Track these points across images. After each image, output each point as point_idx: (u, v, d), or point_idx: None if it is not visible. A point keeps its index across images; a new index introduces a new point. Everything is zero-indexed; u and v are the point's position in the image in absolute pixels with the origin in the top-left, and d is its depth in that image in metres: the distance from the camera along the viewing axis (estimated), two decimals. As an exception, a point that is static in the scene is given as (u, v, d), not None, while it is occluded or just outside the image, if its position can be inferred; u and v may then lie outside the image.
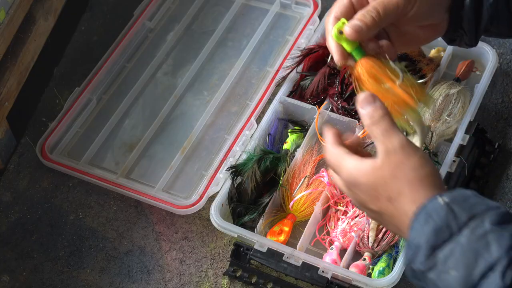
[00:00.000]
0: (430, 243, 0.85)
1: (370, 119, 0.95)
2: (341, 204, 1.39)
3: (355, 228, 1.34)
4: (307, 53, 1.55)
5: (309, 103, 1.51)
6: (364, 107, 0.96)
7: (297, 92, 1.54)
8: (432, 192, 0.90)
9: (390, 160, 0.93)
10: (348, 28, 1.02)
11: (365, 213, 1.01)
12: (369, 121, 0.95)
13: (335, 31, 1.04)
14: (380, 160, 0.93)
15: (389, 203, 0.92)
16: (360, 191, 0.95)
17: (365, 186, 0.94)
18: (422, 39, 1.12)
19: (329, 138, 0.99)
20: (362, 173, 0.94)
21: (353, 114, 1.47)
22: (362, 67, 1.02)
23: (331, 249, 1.35)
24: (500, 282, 0.79)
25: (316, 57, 1.56)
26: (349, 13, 1.06)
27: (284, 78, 1.56)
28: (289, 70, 1.55)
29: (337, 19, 1.05)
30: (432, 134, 1.41)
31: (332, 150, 0.98)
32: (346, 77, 1.49)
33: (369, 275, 1.31)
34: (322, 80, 1.50)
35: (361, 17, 1.03)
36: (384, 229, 1.33)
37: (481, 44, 1.54)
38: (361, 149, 1.01)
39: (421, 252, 0.85)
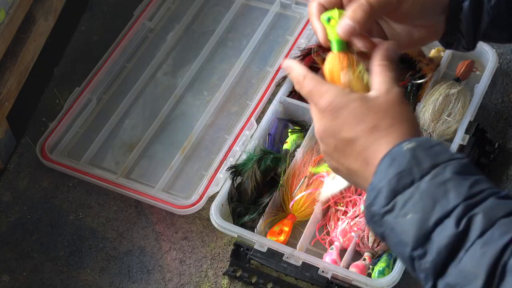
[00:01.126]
0: (391, 187, 0.85)
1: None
2: (341, 204, 1.39)
3: (355, 228, 1.34)
4: (307, 53, 1.55)
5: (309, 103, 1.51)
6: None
7: (297, 92, 1.54)
8: (409, 137, 0.89)
9: (388, 96, 0.93)
10: (340, 29, 1.02)
11: (324, 148, 0.95)
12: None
13: (323, 18, 1.03)
14: (378, 93, 0.93)
15: (370, 133, 0.91)
16: (344, 114, 0.92)
17: (354, 109, 0.92)
18: (417, 39, 1.11)
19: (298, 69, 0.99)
20: (357, 96, 0.93)
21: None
22: (332, 60, 1.02)
23: (331, 249, 1.35)
24: (454, 229, 0.80)
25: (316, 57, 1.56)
26: (333, 2, 1.04)
27: (284, 78, 1.56)
28: None
29: (321, 4, 1.04)
30: (431, 134, 1.41)
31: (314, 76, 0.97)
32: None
33: (369, 275, 1.31)
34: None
35: (353, 14, 1.00)
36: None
37: (481, 44, 1.54)
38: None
39: (381, 195, 0.85)
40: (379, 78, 0.95)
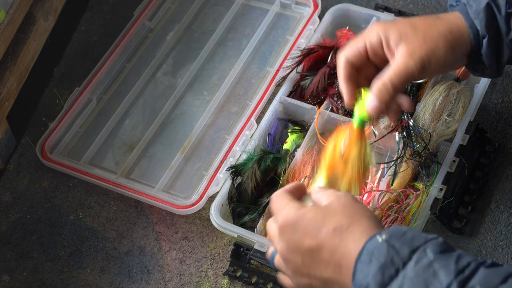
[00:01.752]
0: (377, 282, 0.85)
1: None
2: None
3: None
4: (307, 53, 1.55)
5: (309, 103, 1.51)
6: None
7: (297, 92, 1.54)
8: (375, 231, 0.91)
9: (339, 200, 0.96)
10: (369, 108, 1.12)
11: (292, 267, 0.97)
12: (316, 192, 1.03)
13: (360, 98, 1.17)
14: (330, 201, 0.97)
15: (334, 236, 0.91)
16: (302, 225, 0.94)
17: (311, 218, 0.94)
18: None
19: (286, 186, 1.04)
20: (311, 209, 0.97)
21: (353, 114, 1.47)
22: (349, 134, 1.15)
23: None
24: None
25: (316, 57, 1.56)
26: (361, 60, 1.14)
27: (284, 78, 1.56)
28: (289, 70, 1.55)
29: (348, 61, 1.14)
30: (431, 134, 1.41)
31: (280, 193, 1.03)
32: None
33: (369, 275, 1.31)
34: (322, 80, 1.50)
35: (378, 93, 1.10)
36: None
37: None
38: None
39: None
40: (324, 194, 0.99)
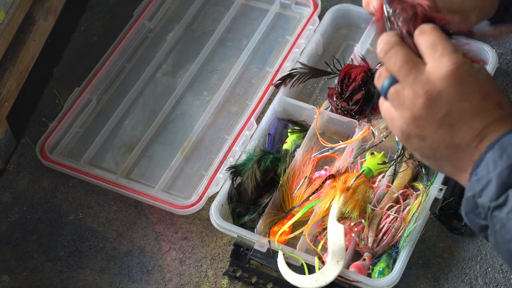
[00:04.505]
0: (502, 180, 0.79)
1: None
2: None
3: (355, 229, 1.34)
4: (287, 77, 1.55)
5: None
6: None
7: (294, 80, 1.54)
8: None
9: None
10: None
11: (430, 114, 0.84)
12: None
13: (372, 156, 1.42)
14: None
15: (494, 110, 0.82)
16: (471, 83, 0.83)
17: (482, 82, 0.84)
18: (470, 7, 1.03)
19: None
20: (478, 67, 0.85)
21: (353, 114, 1.47)
22: (359, 179, 1.35)
23: (331, 249, 1.35)
24: None
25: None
26: None
27: (284, 78, 1.55)
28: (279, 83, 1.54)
29: None
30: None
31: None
32: (345, 77, 1.49)
33: (369, 275, 1.31)
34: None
35: None
36: (384, 230, 1.33)
37: (481, 44, 1.54)
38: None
39: (491, 187, 0.79)
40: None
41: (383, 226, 1.34)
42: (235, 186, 1.42)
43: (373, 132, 1.43)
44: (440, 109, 0.84)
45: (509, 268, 1.35)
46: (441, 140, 0.85)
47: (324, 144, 1.46)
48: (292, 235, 1.36)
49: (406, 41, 0.90)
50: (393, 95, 0.88)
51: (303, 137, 1.47)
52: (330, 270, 1.27)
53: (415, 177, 1.41)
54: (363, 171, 1.38)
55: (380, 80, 0.90)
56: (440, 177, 1.37)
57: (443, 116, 0.84)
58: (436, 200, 1.37)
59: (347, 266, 1.31)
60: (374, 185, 1.39)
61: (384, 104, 0.91)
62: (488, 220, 0.81)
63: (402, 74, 0.87)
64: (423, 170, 1.40)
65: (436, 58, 0.86)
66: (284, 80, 1.54)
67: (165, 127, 1.57)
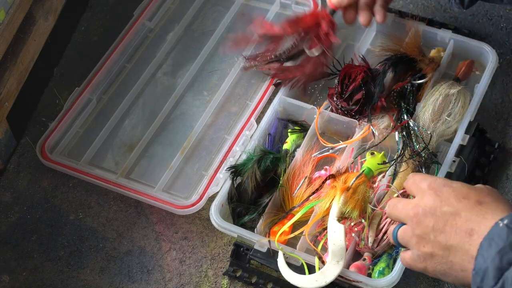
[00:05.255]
0: (496, 266, 0.85)
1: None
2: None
3: (355, 229, 1.34)
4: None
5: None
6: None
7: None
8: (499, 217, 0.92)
9: (487, 188, 0.99)
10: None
11: (421, 231, 1.00)
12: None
13: (372, 156, 1.42)
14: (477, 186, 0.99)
15: (474, 207, 0.93)
16: (447, 191, 0.96)
17: (457, 187, 0.96)
18: None
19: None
20: (458, 182, 0.99)
21: (353, 114, 1.47)
22: (359, 179, 1.35)
23: (331, 249, 1.35)
24: None
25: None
26: None
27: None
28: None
29: None
30: (431, 134, 1.41)
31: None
32: (346, 77, 1.49)
33: (369, 275, 1.31)
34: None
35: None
36: (384, 229, 1.33)
37: (481, 44, 1.54)
38: None
39: (488, 275, 0.86)
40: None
41: (383, 226, 1.34)
42: (235, 186, 1.42)
43: (373, 132, 1.43)
44: (426, 224, 0.97)
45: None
46: (439, 247, 0.96)
47: (324, 144, 1.46)
48: (292, 235, 1.36)
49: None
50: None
51: (303, 137, 1.47)
52: (330, 270, 1.27)
53: (415, 177, 1.41)
54: (363, 171, 1.38)
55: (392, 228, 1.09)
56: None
57: (432, 227, 0.97)
58: (436, 200, 1.37)
59: (347, 266, 1.31)
60: (374, 185, 1.39)
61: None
62: None
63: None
64: (423, 170, 1.39)
65: (415, 185, 1.04)
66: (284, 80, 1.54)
67: (165, 127, 1.57)
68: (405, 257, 1.04)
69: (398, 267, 1.28)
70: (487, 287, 0.86)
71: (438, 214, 0.95)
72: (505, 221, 0.88)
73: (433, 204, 0.97)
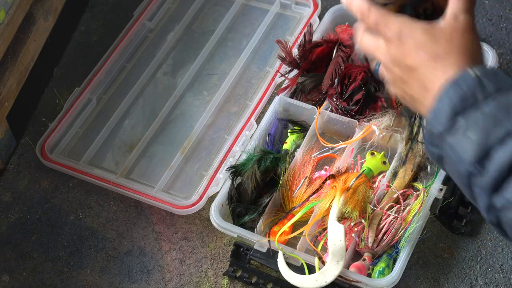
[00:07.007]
0: (452, 108, 0.87)
1: None
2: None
3: (355, 229, 1.34)
4: (313, 46, 1.54)
5: (313, 100, 1.51)
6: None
7: (297, 91, 1.54)
8: (469, 65, 0.92)
9: (454, 24, 0.95)
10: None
11: (390, 76, 0.99)
12: None
13: (372, 156, 1.43)
14: (445, 18, 0.95)
15: (431, 62, 0.93)
16: (409, 42, 0.94)
17: (418, 37, 0.94)
18: None
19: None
20: (422, 25, 0.95)
21: (353, 114, 1.47)
22: (359, 179, 1.35)
23: (331, 249, 1.35)
24: None
25: (319, 53, 1.55)
26: None
27: (283, 80, 1.55)
28: (290, 68, 1.55)
29: None
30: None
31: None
32: (346, 77, 1.49)
33: (369, 275, 1.31)
34: (338, 68, 1.50)
35: None
36: (384, 230, 1.33)
37: (480, 44, 1.54)
38: None
39: (443, 116, 0.87)
40: (450, 4, 0.97)
41: (383, 226, 1.34)
42: (235, 186, 1.42)
43: (375, 130, 1.43)
44: (394, 71, 0.97)
45: (509, 268, 1.35)
46: (406, 94, 0.97)
47: (324, 144, 1.46)
48: (292, 235, 1.36)
49: None
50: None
51: (303, 137, 1.47)
52: (330, 270, 1.27)
53: (415, 177, 1.41)
54: (363, 171, 1.38)
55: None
56: (440, 177, 1.37)
57: (399, 76, 0.97)
58: (436, 200, 1.37)
59: (347, 266, 1.31)
60: (374, 185, 1.39)
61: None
62: (442, 148, 0.88)
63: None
64: (423, 170, 1.40)
65: (379, 32, 0.98)
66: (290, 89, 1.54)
67: (165, 127, 1.57)
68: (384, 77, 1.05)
69: (398, 267, 1.29)
70: (439, 125, 0.88)
71: (402, 66, 0.96)
72: (477, 72, 0.89)
73: (398, 54, 0.96)
